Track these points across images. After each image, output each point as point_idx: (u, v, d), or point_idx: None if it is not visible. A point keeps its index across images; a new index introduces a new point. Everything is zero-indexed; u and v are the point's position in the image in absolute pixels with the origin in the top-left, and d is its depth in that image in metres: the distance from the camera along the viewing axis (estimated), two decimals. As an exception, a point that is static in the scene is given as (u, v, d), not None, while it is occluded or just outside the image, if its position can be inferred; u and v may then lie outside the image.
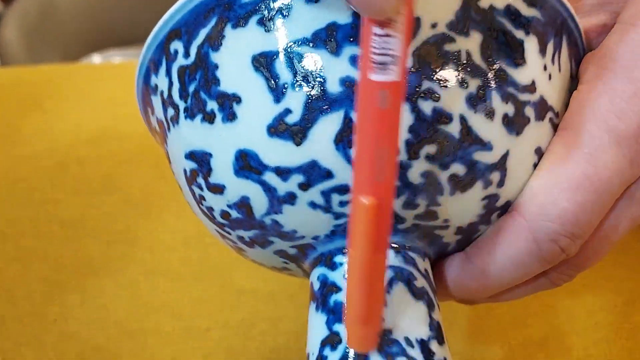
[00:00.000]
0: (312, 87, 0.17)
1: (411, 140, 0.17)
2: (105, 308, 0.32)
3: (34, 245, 0.37)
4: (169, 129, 0.21)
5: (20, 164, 0.46)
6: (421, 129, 0.17)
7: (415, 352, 0.18)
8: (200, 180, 0.20)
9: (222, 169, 0.19)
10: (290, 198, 0.18)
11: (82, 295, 0.33)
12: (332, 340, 0.18)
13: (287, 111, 0.17)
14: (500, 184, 0.19)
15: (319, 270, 0.20)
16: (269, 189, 0.18)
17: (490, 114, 0.18)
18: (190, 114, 0.19)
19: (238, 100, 0.18)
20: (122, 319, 0.32)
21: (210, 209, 0.20)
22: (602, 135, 0.18)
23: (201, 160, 0.19)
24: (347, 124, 0.17)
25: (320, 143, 0.17)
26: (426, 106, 0.17)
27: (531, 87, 0.19)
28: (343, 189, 0.18)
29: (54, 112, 0.54)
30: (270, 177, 0.18)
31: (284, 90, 0.17)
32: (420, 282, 0.19)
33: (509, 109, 0.18)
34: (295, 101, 0.17)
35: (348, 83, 0.17)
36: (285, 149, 0.18)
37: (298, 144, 0.17)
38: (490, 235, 0.20)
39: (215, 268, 0.35)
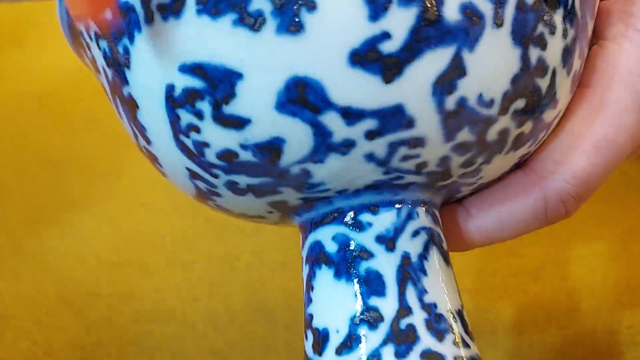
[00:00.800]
0: (427, 10, 0.14)
1: (509, 93, 0.15)
2: (85, 242, 0.31)
3: (12, 181, 0.36)
4: (149, 21, 0.15)
5: (0, 103, 0.44)
6: (522, 80, 0.15)
7: (458, 326, 0.16)
8: (204, 106, 0.15)
9: (256, 98, 0.14)
10: (346, 147, 0.15)
11: (61, 229, 0.32)
12: (370, 318, 0.16)
13: (385, 35, 0.14)
14: (538, 143, 0.17)
15: (335, 229, 0.17)
16: (322, 134, 0.14)
17: (569, 70, 0.16)
18: (210, 9, 0.14)
19: (312, 5, 0.14)
20: (101, 252, 0.31)
21: (203, 144, 0.16)
22: (626, 98, 0.17)
23: (217, 79, 0.14)
24: (456, 64, 0.14)
25: (415, 84, 0.14)
26: (534, 54, 0.15)
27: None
28: (416, 143, 0.15)
29: (35, 50, 0.52)
30: (330, 119, 0.14)
31: (386, 5, 0.14)
32: (445, 243, 0.17)
33: (579, 65, 0.17)
34: (399, 23, 0.14)
35: (469, 11, 0.14)
36: (368, 86, 0.14)
37: (388, 81, 0.14)
38: (496, 190, 0.18)
39: (199, 201, 0.33)
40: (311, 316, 0.17)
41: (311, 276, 0.17)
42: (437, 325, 0.16)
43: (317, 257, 0.17)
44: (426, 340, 0.16)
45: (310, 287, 0.17)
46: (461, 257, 0.30)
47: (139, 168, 0.37)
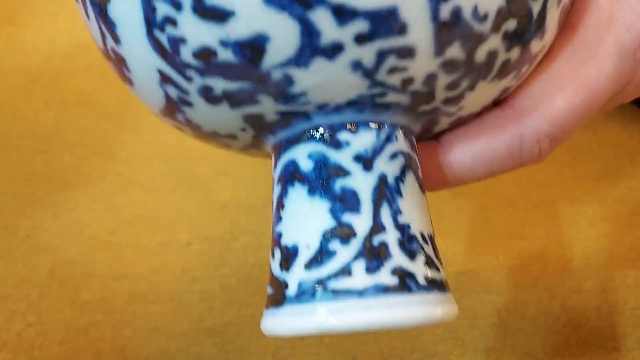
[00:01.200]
0: None
1: (503, 10, 0.14)
2: (79, 221, 0.31)
3: (3, 159, 0.35)
4: None
5: (-8, 80, 0.43)
6: None
7: (429, 249, 0.16)
8: None
9: None
10: (334, 51, 0.14)
11: (55, 209, 0.31)
12: (342, 233, 0.15)
13: None
14: (520, 78, 0.17)
15: (312, 147, 0.16)
16: (309, 33, 0.14)
17: (560, 1, 0.16)
18: None
19: None
20: (95, 232, 0.30)
21: (180, 41, 0.14)
22: (609, 43, 0.17)
23: None
24: None
25: None
26: None
27: None
28: (406, 53, 0.14)
29: (26, 25, 0.51)
30: (321, 17, 0.13)
31: None
32: (420, 172, 0.17)
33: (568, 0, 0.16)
34: None
35: None
36: None
37: None
38: (473, 125, 0.18)
39: (196, 180, 0.33)
40: (280, 234, 0.16)
41: (282, 195, 0.16)
42: (409, 245, 0.16)
43: (291, 175, 0.16)
44: (398, 258, 0.15)
45: (280, 206, 0.16)
46: (465, 239, 0.29)
47: (132, 147, 0.36)
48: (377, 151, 0.16)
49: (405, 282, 0.15)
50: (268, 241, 0.29)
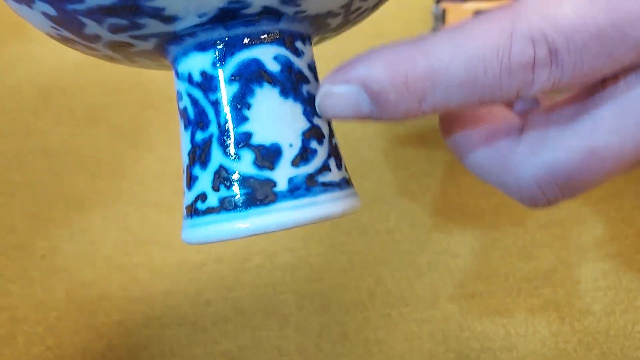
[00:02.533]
0: None
1: None
2: (94, 242, 0.31)
3: (18, 177, 0.36)
4: None
5: (2, 93, 0.44)
6: None
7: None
8: None
9: None
10: None
11: (70, 229, 0.32)
12: (317, 134, 0.17)
13: None
14: None
15: (277, 50, 0.17)
16: None
17: None
18: None
19: None
20: (111, 253, 0.30)
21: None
22: None
23: None
24: None
25: None
26: None
27: None
28: None
29: (37, 39, 0.51)
30: None
31: None
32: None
33: None
34: None
35: None
36: None
37: None
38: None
39: (208, 200, 0.33)
40: (248, 134, 0.17)
41: (247, 94, 0.17)
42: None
43: (257, 74, 0.17)
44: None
45: (245, 105, 0.17)
46: (474, 259, 0.29)
47: (145, 165, 0.36)
48: (313, 61, 0.18)
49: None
50: (280, 262, 0.30)
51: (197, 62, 0.17)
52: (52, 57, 0.48)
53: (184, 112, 0.17)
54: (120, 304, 0.28)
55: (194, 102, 0.17)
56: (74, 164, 0.37)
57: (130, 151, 0.38)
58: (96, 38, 0.17)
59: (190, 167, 0.17)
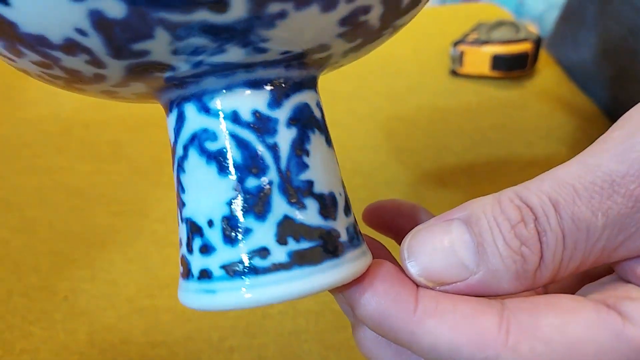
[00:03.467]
0: None
1: None
2: (116, 283, 0.31)
3: (40, 215, 0.36)
4: None
5: (24, 128, 0.44)
6: None
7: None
8: None
9: None
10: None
11: (91, 269, 0.32)
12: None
13: None
14: None
15: (315, 95, 0.16)
16: None
17: None
18: None
19: None
20: (133, 295, 0.30)
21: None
22: None
23: None
24: None
25: None
26: None
27: None
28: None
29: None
30: None
31: None
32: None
33: None
34: None
35: None
36: None
37: None
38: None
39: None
40: (311, 182, 0.16)
41: (304, 140, 0.16)
42: None
43: (309, 119, 0.16)
44: None
45: (304, 152, 0.16)
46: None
47: (167, 204, 0.36)
48: None
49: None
50: (303, 308, 0.29)
51: (247, 100, 0.15)
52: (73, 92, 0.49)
53: (219, 155, 0.15)
54: (142, 349, 0.28)
55: (243, 144, 0.15)
56: (95, 201, 0.37)
57: (151, 189, 0.38)
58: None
59: (233, 218, 0.15)
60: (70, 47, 0.13)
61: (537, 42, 0.46)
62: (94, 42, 0.13)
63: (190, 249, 0.16)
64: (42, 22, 0.13)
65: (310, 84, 0.16)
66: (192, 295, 0.16)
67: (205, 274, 0.15)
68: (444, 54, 0.50)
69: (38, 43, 0.13)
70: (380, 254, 0.19)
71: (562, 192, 0.15)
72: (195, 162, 0.16)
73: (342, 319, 0.29)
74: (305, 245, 0.15)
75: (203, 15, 0.13)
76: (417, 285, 0.15)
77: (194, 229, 0.16)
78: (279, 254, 0.15)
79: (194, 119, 0.15)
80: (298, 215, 0.15)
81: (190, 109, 0.16)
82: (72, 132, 0.44)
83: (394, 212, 0.20)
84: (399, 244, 0.21)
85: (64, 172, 0.40)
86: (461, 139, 0.42)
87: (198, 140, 0.15)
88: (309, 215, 0.16)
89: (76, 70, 0.14)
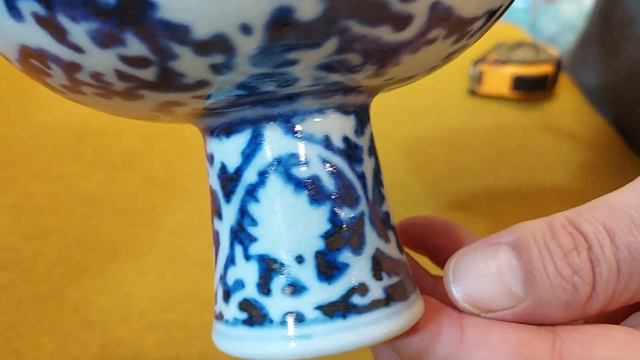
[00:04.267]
0: None
1: None
2: (129, 296, 0.30)
3: (52, 222, 0.35)
4: None
5: (37, 133, 0.44)
6: None
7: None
8: None
9: None
10: None
11: (104, 280, 0.31)
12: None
13: None
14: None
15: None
16: None
17: None
18: None
19: None
20: (146, 309, 0.30)
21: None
22: None
23: None
24: None
25: None
26: None
27: None
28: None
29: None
30: None
31: None
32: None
33: None
34: None
35: None
36: None
37: None
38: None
39: (246, 257, 0.32)
40: (388, 214, 0.15)
41: (379, 170, 0.15)
42: None
43: (375, 149, 0.15)
44: None
45: (380, 183, 0.15)
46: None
47: (180, 216, 0.36)
48: None
49: None
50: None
51: (338, 125, 0.14)
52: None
53: (311, 183, 0.14)
54: (155, 365, 0.27)
55: (336, 172, 0.14)
56: (108, 210, 0.36)
57: (165, 200, 0.37)
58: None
59: (330, 253, 0.14)
60: (210, 45, 0.11)
61: (558, 64, 0.46)
62: (249, 43, 0.11)
63: (265, 291, 0.14)
64: (200, 9, 0.11)
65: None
66: (276, 344, 0.14)
67: (294, 317, 0.14)
68: (463, 73, 0.50)
69: (173, 35, 0.11)
70: (416, 272, 0.18)
71: (617, 221, 0.14)
72: (277, 190, 0.14)
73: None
74: (394, 280, 0.15)
75: (383, 32, 0.12)
76: (460, 311, 0.15)
77: (273, 267, 0.14)
78: (377, 290, 0.14)
79: (279, 142, 0.14)
80: (386, 249, 0.15)
81: (273, 131, 0.14)
82: (86, 139, 0.43)
83: (428, 228, 0.20)
84: (434, 262, 0.21)
85: (77, 179, 0.39)
86: (480, 159, 0.41)
87: (283, 165, 0.14)
88: (392, 248, 0.15)
89: (181, 75, 0.12)
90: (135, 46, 0.11)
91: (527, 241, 0.14)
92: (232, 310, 0.14)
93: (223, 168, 0.15)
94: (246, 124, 0.14)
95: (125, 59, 0.12)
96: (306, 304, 0.14)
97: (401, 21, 0.12)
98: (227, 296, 0.15)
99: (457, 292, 0.15)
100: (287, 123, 0.14)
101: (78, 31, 0.11)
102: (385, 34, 0.12)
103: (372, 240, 0.14)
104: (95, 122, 0.45)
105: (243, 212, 0.14)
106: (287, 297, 0.14)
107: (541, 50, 0.46)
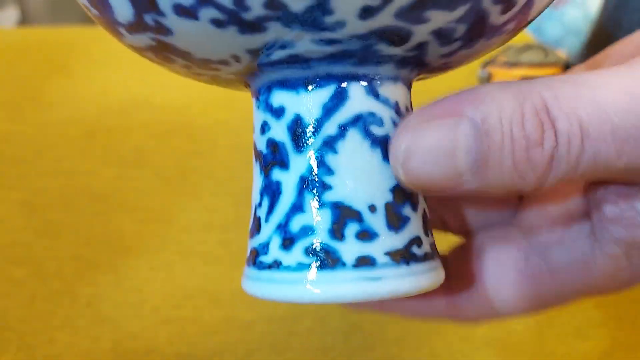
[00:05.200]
0: None
1: None
2: (141, 291, 0.31)
3: (63, 218, 0.36)
4: None
5: (46, 131, 0.44)
6: None
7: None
8: None
9: None
10: None
11: (115, 275, 0.31)
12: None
13: None
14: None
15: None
16: None
17: None
18: None
19: None
20: (158, 305, 0.30)
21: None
22: None
23: None
24: None
25: None
26: None
27: None
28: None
29: (81, 77, 0.52)
30: None
31: None
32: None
33: None
34: None
35: None
36: None
37: None
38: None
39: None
40: None
41: None
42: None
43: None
44: None
45: None
46: (530, 338, 0.29)
47: (191, 214, 0.36)
48: None
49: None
50: (331, 326, 0.29)
51: (403, 94, 0.16)
52: (95, 96, 0.49)
53: (386, 141, 0.15)
54: (168, 360, 0.27)
55: None
56: (119, 206, 0.37)
57: (175, 197, 0.38)
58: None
59: (397, 206, 0.15)
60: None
61: (566, 67, 0.46)
62: None
63: (340, 236, 0.15)
64: None
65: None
66: (349, 285, 0.14)
67: (366, 261, 0.14)
68: (472, 74, 0.50)
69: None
70: None
71: (596, 123, 0.13)
72: (356, 143, 0.15)
73: (371, 340, 0.28)
74: (432, 239, 0.16)
75: (494, 11, 0.13)
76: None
77: (348, 214, 0.15)
78: (427, 245, 0.15)
79: (361, 101, 0.15)
80: (427, 211, 0.16)
81: (357, 89, 0.15)
82: (96, 136, 0.44)
83: None
84: None
85: (88, 176, 0.39)
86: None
87: (363, 122, 0.15)
88: (428, 211, 0.16)
89: (330, 11, 0.12)
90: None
91: (492, 123, 0.13)
92: (295, 256, 0.15)
93: (298, 119, 0.15)
94: (332, 79, 0.15)
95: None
96: (377, 249, 0.15)
97: (507, 5, 0.13)
98: (289, 243, 0.15)
99: (404, 175, 0.14)
100: (370, 85, 0.15)
101: None
102: (494, 13, 0.13)
103: (422, 201, 0.16)
104: (105, 120, 0.45)
105: (320, 162, 0.15)
106: (360, 242, 0.15)
107: (549, 53, 0.47)
